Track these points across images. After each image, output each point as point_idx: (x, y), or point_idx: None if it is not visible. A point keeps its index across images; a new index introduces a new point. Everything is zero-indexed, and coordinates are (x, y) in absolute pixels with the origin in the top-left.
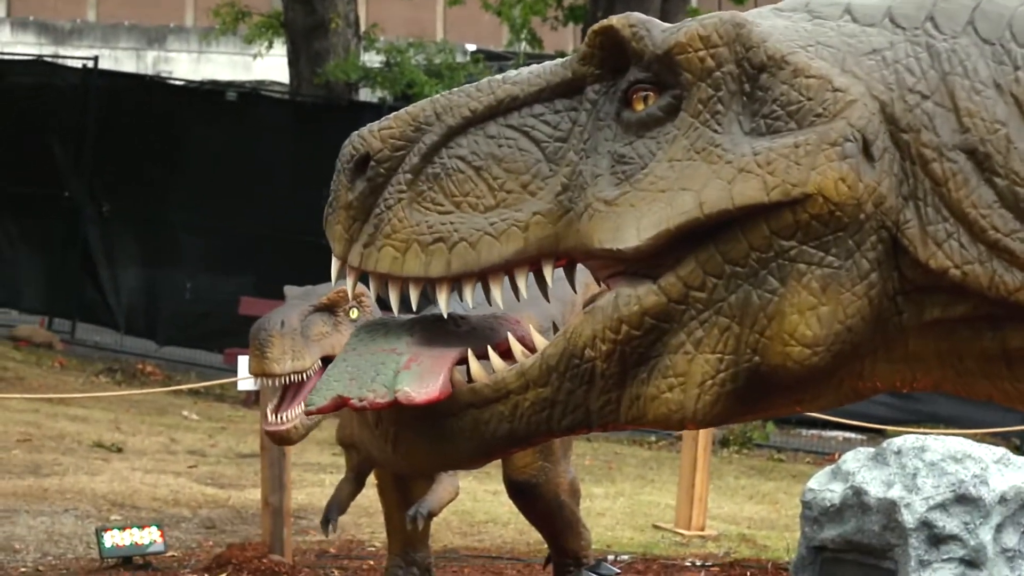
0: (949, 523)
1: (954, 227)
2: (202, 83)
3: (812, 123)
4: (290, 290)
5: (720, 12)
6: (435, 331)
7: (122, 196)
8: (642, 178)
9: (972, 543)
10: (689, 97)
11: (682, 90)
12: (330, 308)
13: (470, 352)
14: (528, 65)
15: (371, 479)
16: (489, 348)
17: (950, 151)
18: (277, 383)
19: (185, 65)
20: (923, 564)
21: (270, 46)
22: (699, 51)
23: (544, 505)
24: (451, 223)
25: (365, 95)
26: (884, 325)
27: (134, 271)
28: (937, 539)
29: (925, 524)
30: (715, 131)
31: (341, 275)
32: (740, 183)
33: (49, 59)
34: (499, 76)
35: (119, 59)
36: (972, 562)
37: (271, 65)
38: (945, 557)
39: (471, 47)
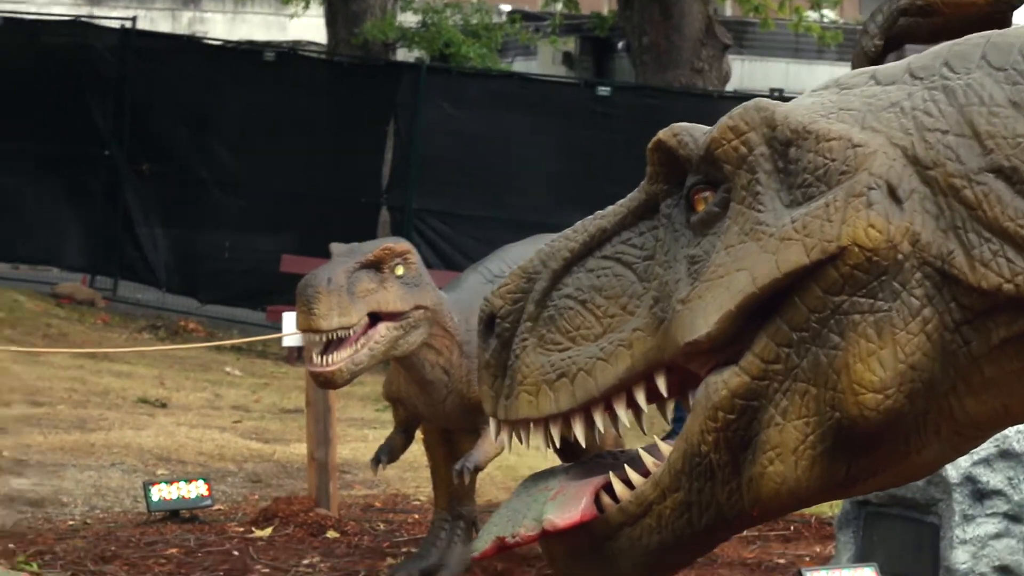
0: (993, 478)
1: (998, 244)
2: (239, 43)
3: (839, 181)
4: (336, 247)
5: (745, 102)
6: (590, 466)
7: (161, 155)
8: (706, 270)
9: (1016, 498)
10: (734, 186)
11: (728, 182)
12: (376, 265)
13: (612, 475)
14: (563, 26)
15: (418, 434)
16: (627, 468)
17: (977, 175)
18: (323, 339)
19: (220, 25)
20: (967, 519)
21: (307, 6)
22: (731, 141)
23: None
24: (570, 357)
25: (402, 55)
26: (954, 358)
27: (174, 230)
28: (981, 494)
29: (969, 479)
30: (759, 211)
31: (498, 430)
32: (783, 251)
33: (86, 19)
34: (590, 216)
35: (154, 20)
36: (1016, 517)
37: (306, 25)
38: (989, 512)
39: (506, 7)
